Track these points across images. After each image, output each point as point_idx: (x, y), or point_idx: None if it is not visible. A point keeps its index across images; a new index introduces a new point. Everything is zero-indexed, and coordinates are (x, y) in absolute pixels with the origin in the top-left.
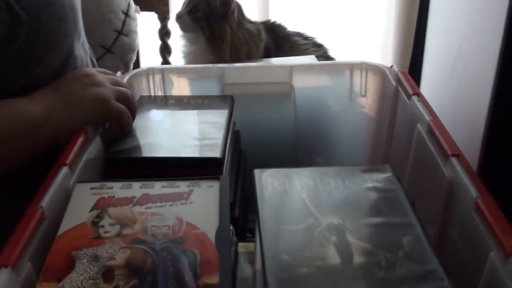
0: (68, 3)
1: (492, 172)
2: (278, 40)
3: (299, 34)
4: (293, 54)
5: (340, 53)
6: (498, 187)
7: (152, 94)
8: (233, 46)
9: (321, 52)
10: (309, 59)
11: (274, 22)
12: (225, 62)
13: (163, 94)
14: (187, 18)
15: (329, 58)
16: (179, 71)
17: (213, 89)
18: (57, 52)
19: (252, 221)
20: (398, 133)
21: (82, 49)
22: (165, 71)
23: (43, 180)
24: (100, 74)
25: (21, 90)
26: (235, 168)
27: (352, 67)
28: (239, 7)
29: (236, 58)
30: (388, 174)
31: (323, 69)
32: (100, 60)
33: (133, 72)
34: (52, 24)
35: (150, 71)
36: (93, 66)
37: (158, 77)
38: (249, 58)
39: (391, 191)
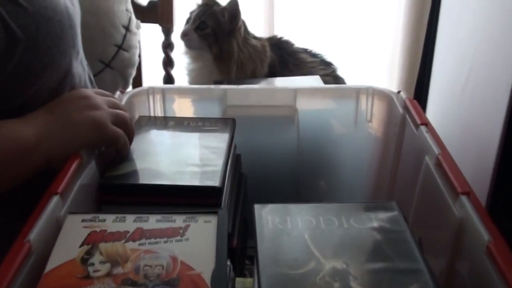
0: (67, 20)
1: (502, 207)
2: (284, 57)
3: (306, 51)
4: (299, 72)
5: (345, 73)
6: (508, 222)
7: (152, 114)
8: (239, 63)
9: (329, 71)
10: (314, 80)
11: (281, 38)
12: (230, 79)
13: (163, 115)
14: (194, 35)
15: (337, 77)
16: (180, 91)
17: (214, 110)
18: (54, 70)
19: (251, 247)
20: (404, 162)
21: (80, 66)
22: (165, 91)
23: (34, 203)
24: (97, 96)
25: (17, 109)
26: (235, 194)
27: (358, 91)
28: (244, 23)
29: (241, 75)
30: (394, 213)
31: (328, 93)
32: (99, 75)
33: (133, 91)
34: (50, 42)
35: (151, 91)
36: (91, 83)
37: (158, 97)
38: (254, 75)
39: (397, 232)
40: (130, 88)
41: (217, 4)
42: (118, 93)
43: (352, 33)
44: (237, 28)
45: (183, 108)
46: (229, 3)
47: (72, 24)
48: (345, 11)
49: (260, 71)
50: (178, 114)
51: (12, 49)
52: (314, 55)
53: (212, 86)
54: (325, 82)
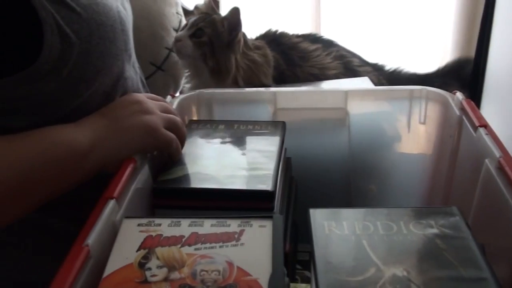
0: (119, 24)
1: None
2: (286, 52)
3: (306, 38)
4: (306, 64)
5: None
6: None
7: (202, 118)
8: (240, 80)
9: (333, 53)
10: (363, 81)
11: (276, 32)
12: None
13: (213, 119)
14: (189, 42)
15: (342, 56)
16: (229, 95)
17: (264, 114)
18: (107, 74)
19: (303, 251)
20: (461, 166)
21: (133, 69)
22: (215, 95)
23: (86, 204)
24: (149, 101)
25: (72, 113)
26: (286, 198)
27: (411, 93)
28: (244, 36)
29: None
30: (455, 218)
31: (380, 95)
32: (150, 78)
33: (183, 95)
34: (103, 46)
35: (201, 95)
36: (144, 86)
37: (208, 101)
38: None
39: (460, 238)
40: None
41: (218, 13)
42: (169, 97)
43: (402, 32)
44: (236, 41)
45: (233, 111)
46: (230, 11)
47: (124, 28)
48: (393, 10)
49: (266, 83)
50: (228, 118)
51: (67, 54)
52: (314, 40)
53: (262, 89)
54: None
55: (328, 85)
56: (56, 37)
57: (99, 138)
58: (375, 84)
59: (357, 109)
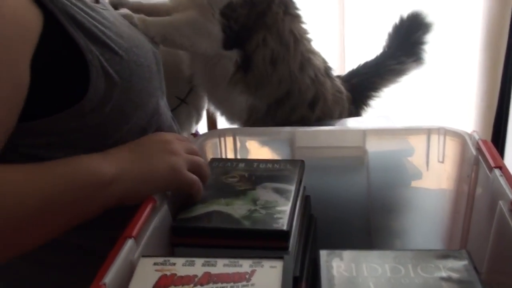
0: (155, 64)
1: None
2: None
3: None
4: None
5: (419, 111)
6: None
7: (224, 155)
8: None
9: None
10: (383, 119)
11: None
12: None
13: (234, 156)
14: None
15: None
16: (250, 132)
17: (284, 151)
18: (143, 110)
19: None
20: (478, 207)
21: (165, 105)
22: (236, 133)
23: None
24: (176, 141)
25: (111, 146)
26: (304, 236)
27: (429, 131)
28: None
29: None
30: (464, 262)
31: (399, 133)
32: (175, 111)
33: (205, 134)
34: (141, 85)
35: (222, 133)
36: (173, 121)
37: (229, 139)
38: None
39: (467, 282)
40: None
41: None
42: (191, 136)
43: (426, 71)
44: None
45: (254, 149)
46: None
47: (159, 68)
48: None
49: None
50: (248, 155)
51: (110, 92)
52: None
53: (281, 128)
54: None
55: (346, 123)
56: (100, 78)
57: (122, 170)
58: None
59: (376, 147)
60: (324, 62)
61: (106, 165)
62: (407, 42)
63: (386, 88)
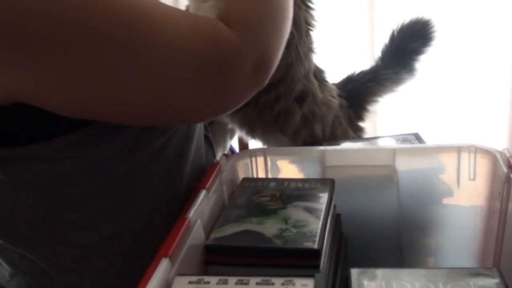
0: None
1: None
2: None
3: None
4: None
5: (449, 132)
6: None
7: (255, 175)
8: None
9: None
10: (413, 137)
11: None
12: None
13: (265, 176)
14: None
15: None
16: (280, 152)
17: (314, 171)
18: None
19: None
20: (510, 225)
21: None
22: (267, 153)
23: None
24: None
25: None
26: (335, 254)
27: (459, 149)
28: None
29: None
30: (496, 280)
31: (428, 151)
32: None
33: (236, 154)
34: None
35: (253, 153)
36: (207, 139)
37: (260, 159)
38: None
39: None
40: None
41: None
42: (223, 157)
43: (457, 86)
44: None
45: (284, 168)
46: None
47: None
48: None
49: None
50: (279, 175)
51: None
52: None
53: (312, 148)
54: None
55: (376, 141)
56: None
57: None
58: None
59: (406, 166)
60: (316, 65)
61: None
62: (403, 52)
63: (384, 94)
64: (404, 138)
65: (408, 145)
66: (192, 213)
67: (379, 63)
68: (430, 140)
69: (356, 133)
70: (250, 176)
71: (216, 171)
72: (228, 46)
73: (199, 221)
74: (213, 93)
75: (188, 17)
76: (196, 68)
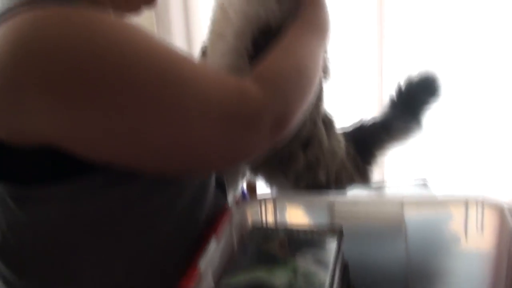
0: None
1: None
2: None
3: None
4: None
5: (458, 178)
6: None
7: (264, 223)
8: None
9: None
10: (421, 185)
11: None
12: None
13: (274, 224)
14: None
15: None
16: (290, 199)
17: (323, 218)
18: None
19: None
20: None
21: None
22: (277, 201)
23: None
24: None
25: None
26: None
27: (467, 201)
28: None
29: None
30: None
31: (437, 203)
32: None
33: (247, 203)
34: None
35: (263, 201)
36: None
37: (270, 207)
38: None
39: None
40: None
41: None
42: (234, 205)
43: (466, 135)
44: None
45: (293, 215)
46: None
47: None
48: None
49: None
50: (288, 222)
51: None
52: None
53: (321, 196)
54: None
55: (383, 189)
56: None
57: None
58: None
59: (414, 216)
60: (326, 112)
61: None
62: (412, 104)
63: (393, 145)
64: (412, 185)
65: (416, 196)
66: (202, 262)
67: (389, 113)
68: (437, 184)
69: (363, 179)
70: (260, 223)
71: (227, 219)
72: (253, 103)
73: (209, 269)
74: (233, 145)
75: (216, 73)
76: (220, 122)
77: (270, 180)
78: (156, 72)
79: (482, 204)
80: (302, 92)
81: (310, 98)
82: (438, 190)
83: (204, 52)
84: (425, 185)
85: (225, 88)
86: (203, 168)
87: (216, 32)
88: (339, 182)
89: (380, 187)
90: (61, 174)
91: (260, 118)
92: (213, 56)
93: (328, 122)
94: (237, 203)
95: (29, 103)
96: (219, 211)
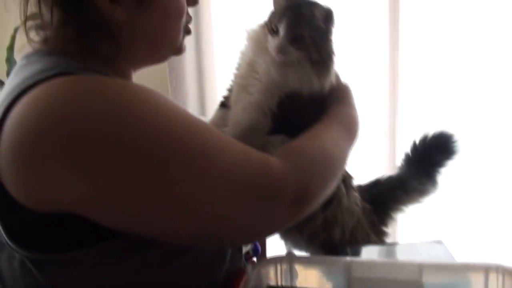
0: None
1: None
2: None
3: None
4: None
5: (473, 238)
6: None
7: (279, 283)
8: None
9: None
10: (437, 245)
11: None
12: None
13: (289, 283)
14: (291, 49)
15: None
16: (305, 261)
17: (339, 280)
18: None
19: None
20: None
21: None
22: (292, 261)
23: None
24: None
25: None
26: None
27: (487, 270)
28: None
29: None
30: None
31: (455, 269)
32: None
33: (262, 263)
34: None
35: (278, 261)
36: None
37: (285, 267)
38: None
39: None
40: None
41: (304, 3)
42: (250, 265)
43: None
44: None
45: (310, 277)
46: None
47: None
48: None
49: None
50: (304, 284)
51: None
52: None
53: (338, 258)
54: None
55: (398, 249)
56: None
57: None
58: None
59: (432, 280)
60: (346, 171)
61: None
62: (428, 163)
63: (410, 204)
64: (427, 247)
65: (435, 262)
66: None
67: (404, 171)
68: (454, 249)
69: (379, 237)
70: (274, 283)
71: (243, 281)
72: (275, 176)
73: None
74: (253, 220)
75: (242, 147)
76: (243, 196)
77: (284, 236)
78: (182, 146)
79: (503, 273)
80: (325, 174)
81: (334, 184)
82: (454, 250)
83: (223, 104)
84: (441, 245)
85: (249, 161)
86: (222, 242)
87: (241, 85)
88: (354, 240)
89: (395, 245)
90: (83, 239)
91: (282, 190)
92: (235, 108)
93: (348, 181)
94: (251, 262)
95: (54, 172)
96: (236, 269)
